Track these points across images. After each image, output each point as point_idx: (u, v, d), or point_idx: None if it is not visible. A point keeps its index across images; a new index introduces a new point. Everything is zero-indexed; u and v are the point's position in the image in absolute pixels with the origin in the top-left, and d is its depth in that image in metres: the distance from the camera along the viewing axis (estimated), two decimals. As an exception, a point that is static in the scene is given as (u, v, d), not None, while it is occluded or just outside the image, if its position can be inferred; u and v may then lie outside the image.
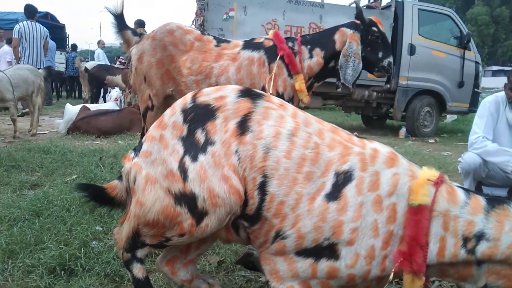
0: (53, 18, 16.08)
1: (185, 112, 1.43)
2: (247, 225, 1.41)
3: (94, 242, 2.33)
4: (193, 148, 1.37)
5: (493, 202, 1.28)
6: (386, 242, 1.27)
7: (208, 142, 1.36)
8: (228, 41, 2.94)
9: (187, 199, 1.34)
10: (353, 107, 8.92)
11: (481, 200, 1.29)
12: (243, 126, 1.38)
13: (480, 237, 1.22)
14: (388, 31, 7.68)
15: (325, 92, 8.11)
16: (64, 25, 16.97)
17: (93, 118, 6.19)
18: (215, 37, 2.97)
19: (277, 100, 1.48)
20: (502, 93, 3.45)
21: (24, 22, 7.77)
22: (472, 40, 8.35)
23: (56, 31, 15.23)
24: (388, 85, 8.08)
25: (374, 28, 2.86)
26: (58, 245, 2.21)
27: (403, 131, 8.17)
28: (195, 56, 2.81)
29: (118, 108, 7.16)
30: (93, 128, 6.10)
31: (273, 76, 2.68)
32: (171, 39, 2.86)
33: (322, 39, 2.89)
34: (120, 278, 2.03)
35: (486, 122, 3.41)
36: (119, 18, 3.04)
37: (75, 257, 2.14)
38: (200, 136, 1.38)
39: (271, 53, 2.78)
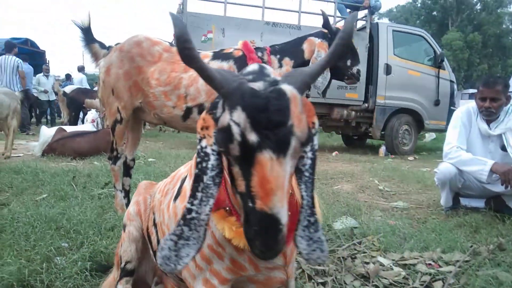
0: (33, 44, 15.99)
1: None
2: None
3: (58, 258, 2.22)
4: None
5: None
6: None
7: None
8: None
9: None
10: (333, 126, 8.98)
11: None
12: None
13: None
14: (364, 52, 7.84)
15: (304, 112, 8.15)
16: (44, 51, 16.85)
17: (69, 140, 6.07)
18: None
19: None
20: (474, 104, 3.51)
21: (1, 57, 9.28)
22: (445, 60, 8.57)
23: (36, 57, 15.11)
24: (366, 104, 8.19)
25: (342, 37, 2.87)
26: (19, 261, 2.10)
27: (383, 149, 8.24)
28: (163, 67, 2.78)
29: (95, 129, 7.06)
30: (68, 149, 5.97)
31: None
32: (139, 50, 2.83)
33: (291, 48, 2.89)
34: (83, 293, 1.93)
35: (459, 132, 3.45)
36: (87, 32, 3.01)
37: (36, 272, 2.03)
38: None
39: (241, 62, 2.76)
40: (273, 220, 0.80)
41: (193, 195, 0.92)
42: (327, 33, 2.87)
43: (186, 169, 1.46)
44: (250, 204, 0.81)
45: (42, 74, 11.70)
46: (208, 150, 0.91)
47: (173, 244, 0.92)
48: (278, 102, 0.80)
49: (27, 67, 10.95)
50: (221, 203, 1.08)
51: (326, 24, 2.90)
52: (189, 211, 0.92)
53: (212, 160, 0.90)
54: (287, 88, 0.83)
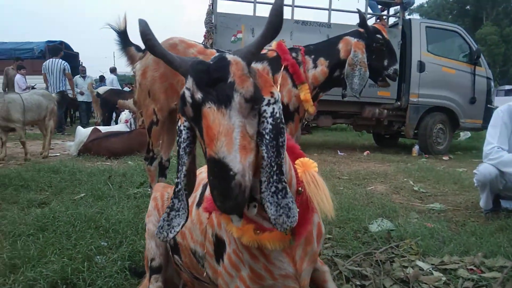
0: (67, 46, 16.49)
1: None
2: (178, 257, 1.65)
3: (98, 257, 2.28)
4: None
5: None
6: None
7: None
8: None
9: None
10: (364, 125, 8.83)
11: None
12: None
13: None
14: (397, 49, 7.67)
15: (335, 111, 8.07)
16: (77, 53, 17.37)
17: (104, 140, 6.23)
18: (218, 50, 2.96)
19: None
20: (516, 102, 3.37)
21: (48, 60, 9.95)
22: (482, 56, 8.28)
23: (70, 59, 15.55)
24: (399, 103, 8.02)
25: (379, 36, 2.81)
26: (61, 259, 2.17)
27: (416, 148, 8.04)
28: None
29: (128, 129, 7.21)
30: (103, 149, 6.14)
31: (278, 86, 2.64)
32: (174, 52, 2.84)
33: (326, 48, 2.85)
34: (123, 292, 1.98)
35: (500, 132, 3.32)
36: (123, 35, 3.05)
37: (78, 271, 2.09)
38: None
39: (275, 63, 2.74)
40: (221, 165, 0.86)
41: (177, 170, 1.04)
42: (364, 32, 2.81)
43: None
44: (207, 157, 0.90)
45: (79, 75, 11.95)
46: (182, 127, 1.03)
47: (166, 216, 1.04)
48: (218, 64, 0.94)
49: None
50: None
51: (362, 23, 2.84)
52: (176, 184, 1.03)
53: (184, 134, 1.03)
54: (229, 56, 0.97)
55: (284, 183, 0.99)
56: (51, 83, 9.87)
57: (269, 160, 0.97)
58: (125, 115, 8.15)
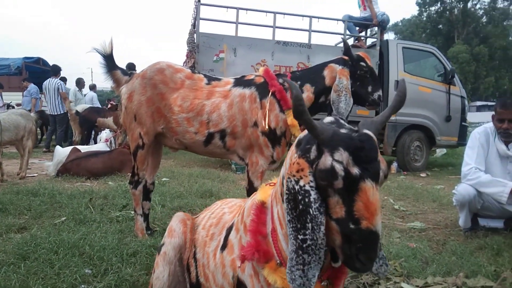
0: (45, 63, 16.28)
1: None
2: None
3: (83, 286, 2.23)
4: None
5: None
6: None
7: None
8: (219, 79, 2.96)
9: None
10: (343, 143, 8.95)
11: None
12: None
13: None
14: (375, 69, 7.85)
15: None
16: (55, 69, 17.12)
17: (83, 160, 6.11)
18: (205, 75, 2.99)
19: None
20: (491, 124, 3.51)
21: (48, 80, 10.18)
22: (456, 76, 8.57)
23: (47, 75, 15.32)
24: (377, 121, 8.19)
25: (362, 63, 2.91)
26: (45, 290, 2.12)
27: (394, 165, 8.20)
28: (186, 93, 2.82)
29: (108, 149, 7.10)
30: (83, 169, 6.01)
31: (266, 112, 2.69)
32: (161, 77, 2.87)
33: (311, 75, 2.93)
34: (110, 323, 1.94)
35: (477, 153, 3.44)
36: (109, 59, 3.05)
37: (63, 302, 2.04)
38: None
39: (262, 89, 2.80)
40: (376, 236, 0.98)
41: (303, 227, 1.04)
42: (348, 60, 2.91)
43: (231, 217, 1.54)
44: (352, 226, 0.98)
45: (78, 89, 11.47)
46: (307, 187, 1.03)
47: (301, 272, 1.05)
48: (371, 143, 1.00)
49: (34, 87, 11.16)
50: (270, 256, 1.20)
51: (347, 51, 2.94)
52: (303, 241, 1.04)
53: (313, 194, 1.03)
54: (371, 134, 1.04)
55: None
56: (48, 102, 10.10)
57: None
58: (105, 134, 8.04)
